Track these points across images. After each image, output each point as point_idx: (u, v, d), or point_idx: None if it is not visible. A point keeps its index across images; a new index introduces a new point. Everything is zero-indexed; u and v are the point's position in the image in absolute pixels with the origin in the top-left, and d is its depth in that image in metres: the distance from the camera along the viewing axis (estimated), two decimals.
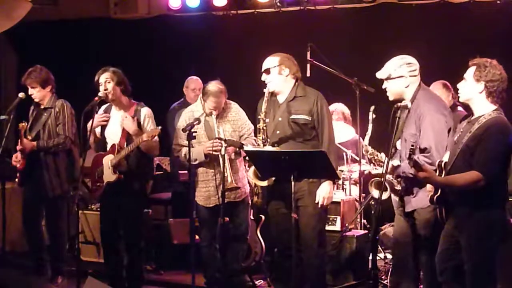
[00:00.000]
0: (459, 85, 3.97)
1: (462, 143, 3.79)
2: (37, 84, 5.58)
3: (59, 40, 7.87)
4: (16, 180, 5.67)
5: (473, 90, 3.84)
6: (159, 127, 4.99)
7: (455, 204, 3.86)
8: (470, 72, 3.87)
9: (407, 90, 4.40)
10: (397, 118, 4.18)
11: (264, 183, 4.77)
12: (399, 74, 4.38)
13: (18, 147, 5.54)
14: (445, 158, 4.00)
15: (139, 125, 5.13)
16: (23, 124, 5.56)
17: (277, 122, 4.71)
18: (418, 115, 4.29)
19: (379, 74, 4.46)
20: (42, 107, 5.67)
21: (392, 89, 4.42)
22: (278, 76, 4.69)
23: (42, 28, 7.77)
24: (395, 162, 4.33)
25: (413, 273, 4.62)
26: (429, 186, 4.00)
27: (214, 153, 4.89)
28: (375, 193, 4.67)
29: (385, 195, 4.52)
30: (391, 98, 4.45)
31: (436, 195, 3.89)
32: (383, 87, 4.47)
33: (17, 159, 5.59)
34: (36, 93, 5.60)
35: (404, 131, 4.35)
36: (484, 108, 3.83)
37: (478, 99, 3.84)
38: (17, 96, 5.69)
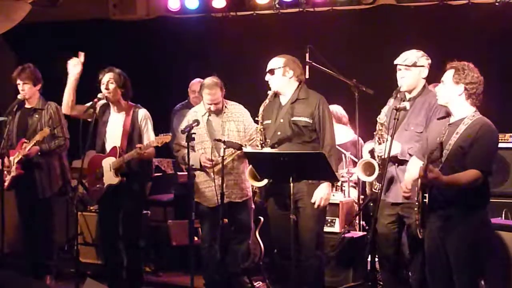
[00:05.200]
0: (436, 88, 4.02)
1: (450, 145, 3.80)
2: (30, 80, 5.63)
3: (58, 42, 7.87)
4: (6, 184, 5.58)
5: (452, 92, 3.87)
6: (170, 134, 5.03)
7: (443, 206, 3.83)
8: (448, 75, 3.90)
9: (421, 82, 4.45)
10: (396, 120, 4.19)
11: (260, 184, 4.78)
12: (422, 64, 4.44)
13: (24, 153, 5.46)
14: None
15: (135, 126, 5.17)
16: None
17: (278, 124, 4.72)
18: (431, 107, 4.32)
19: (403, 60, 4.44)
20: (29, 107, 5.67)
21: (411, 78, 4.43)
22: (281, 77, 4.72)
23: (41, 30, 7.77)
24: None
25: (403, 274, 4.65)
26: (404, 185, 4.00)
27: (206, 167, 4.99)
28: (361, 175, 4.65)
29: (371, 178, 4.53)
30: (405, 88, 4.46)
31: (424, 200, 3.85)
32: (400, 75, 4.45)
33: (11, 167, 5.53)
34: (27, 89, 5.62)
35: (407, 122, 4.38)
36: (464, 110, 3.87)
37: (458, 101, 3.87)
38: (16, 98, 5.70)
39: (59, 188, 5.70)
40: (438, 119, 4.07)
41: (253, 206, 5.29)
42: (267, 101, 4.72)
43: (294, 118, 4.67)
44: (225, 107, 5.19)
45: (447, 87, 3.89)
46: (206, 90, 5.08)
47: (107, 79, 5.16)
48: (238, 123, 5.15)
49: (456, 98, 3.87)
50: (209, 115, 5.15)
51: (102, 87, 5.16)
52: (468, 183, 3.73)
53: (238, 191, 5.10)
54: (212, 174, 4.97)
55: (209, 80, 5.11)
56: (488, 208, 3.93)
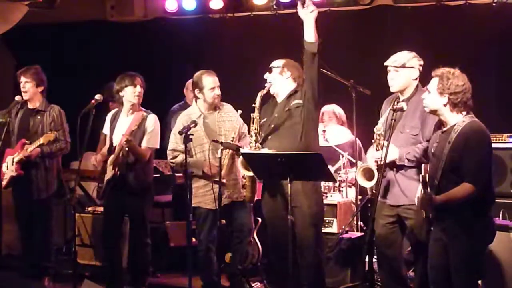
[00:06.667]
0: (423, 96, 3.99)
1: (445, 154, 3.77)
2: (33, 80, 5.63)
3: (55, 43, 7.88)
4: (3, 183, 5.62)
5: (437, 102, 3.84)
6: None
7: (443, 219, 3.83)
8: (433, 84, 3.86)
9: (412, 83, 4.44)
10: (393, 121, 4.19)
11: (252, 173, 4.78)
12: (412, 65, 4.43)
13: (26, 154, 5.48)
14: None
15: (140, 128, 5.23)
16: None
17: (273, 118, 4.76)
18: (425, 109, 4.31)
19: (392, 62, 4.46)
20: (31, 108, 5.67)
21: (400, 79, 4.44)
22: (278, 75, 4.77)
23: (38, 31, 7.77)
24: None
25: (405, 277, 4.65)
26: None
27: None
28: (360, 181, 4.66)
29: (371, 183, 4.54)
30: (395, 89, 4.48)
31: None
32: (390, 77, 4.46)
33: (11, 168, 5.55)
34: (28, 88, 5.62)
35: (402, 124, 4.38)
36: (453, 118, 3.84)
37: (444, 111, 3.84)
38: (14, 99, 5.71)
39: (55, 191, 5.70)
40: (434, 129, 4.06)
41: (251, 207, 5.27)
42: (264, 91, 4.76)
43: (287, 107, 4.71)
44: (219, 107, 5.21)
45: (432, 97, 3.86)
46: (207, 74, 5.16)
47: (139, 84, 5.29)
48: (230, 123, 5.18)
49: (442, 108, 3.84)
50: (205, 117, 5.15)
51: (133, 90, 5.23)
52: (462, 199, 3.71)
53: (240, 190, 5.09)
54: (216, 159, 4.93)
55: (205, 70, 5.21)
56: (490, 214, 3.89)
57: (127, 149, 5.13)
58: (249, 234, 5.29)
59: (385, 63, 4.50)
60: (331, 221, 5.61)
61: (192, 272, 4.80)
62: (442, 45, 6.44)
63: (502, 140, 5.69)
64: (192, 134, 4.87)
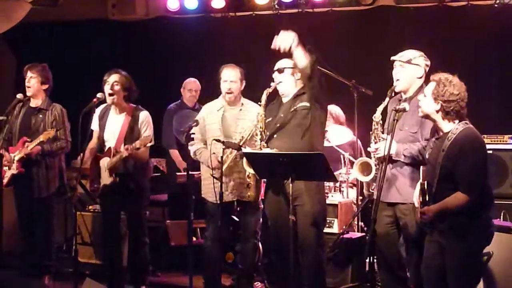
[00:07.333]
0: (419, 97, 4.01)
1: (439, 163, 3.75)
2: (39, 76, 5.63)
3: (57, 42, 7.87)
4: (5, 181, 5.59)
5: (430, 107, 3.84)
6: (151, 135, 5.09)
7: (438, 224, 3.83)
8: (429, 89, 3.86)
9: (417, 82, 4.45)
10: (395, 121, 4.19)
11: None
12: (418, 63, 4.45)
13: (26, 152, 5.48)
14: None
15: (134, 129, 5.18)
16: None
17: (278, 117, 4.78)
18: None
19: (399, 57, 4.47)
20: (34, 106, 5.67)
21: (405, 76, 4.45)
22: (290, 76, 4.80)
23: (40, 30, 7.77)
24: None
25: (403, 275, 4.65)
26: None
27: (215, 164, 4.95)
28: (358, 175, 4.66)
29: (368, 178, 4.55)
30: (399, 87, 4.48)
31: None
32: (395, 72, 4.48)
33: (12, 163, 5.55)
34: (33, 83, 5.61)
35: (402, 121, 4.38)
36: (446, 125, 3.83)
37: (436, 118, 3.84)
38: (15, 97, 5.71)
39: (56, 189, 5.70)
40: (431, 133, 4.06)
41: (260, 207, 5.24)
42: (270, 89, 4.77)
43: (293, 108, 4.72)
44: (242, 104, 5.18)
45: (427, 101, 3.85)
46: (226, 67, 5.16)
47: (113, 80, 5.17)
48: (251, 123, 5.10)
49: (434, 113, 3.83)
50: (225, 110, 5.14)
51: (107, 87, 5.17)
52: (457, 208, 3.70)
53: (246, 190, 5.08)
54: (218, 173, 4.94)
55: (228, 64, 5.22)
56: (488, 216, 3.85)
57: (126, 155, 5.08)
58: (252, 235, 5.25)
59: (392, 58, 4.51)
60: (332, 221, 5.60)
61: (193, 271, 4.79)
62: (444, 45, 6.43)
63: (503, 141, 5.69)
64: (194, 133, 4.87)
